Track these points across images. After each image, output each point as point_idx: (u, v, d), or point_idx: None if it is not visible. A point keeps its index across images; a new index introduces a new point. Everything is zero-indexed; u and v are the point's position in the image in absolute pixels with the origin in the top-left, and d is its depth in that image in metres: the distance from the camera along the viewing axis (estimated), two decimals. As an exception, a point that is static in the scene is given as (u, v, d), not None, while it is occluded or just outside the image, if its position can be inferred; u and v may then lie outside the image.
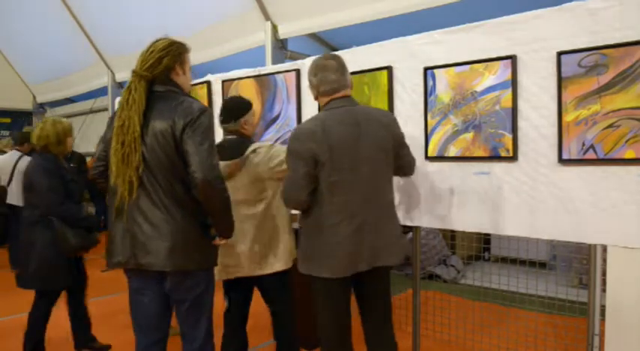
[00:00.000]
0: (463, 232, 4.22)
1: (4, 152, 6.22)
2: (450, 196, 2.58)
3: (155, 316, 2.04)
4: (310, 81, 2.14)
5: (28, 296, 4.70)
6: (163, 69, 1.95)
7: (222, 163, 2.33)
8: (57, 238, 2.83)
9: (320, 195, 2.02)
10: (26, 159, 5.64)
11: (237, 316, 2.72)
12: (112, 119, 2.05)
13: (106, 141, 2.04)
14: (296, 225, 2.46)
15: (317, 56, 2.20)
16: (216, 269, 2.43)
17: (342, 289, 2.11)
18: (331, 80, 2.07)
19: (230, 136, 2.62)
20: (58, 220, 2.84)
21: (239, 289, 2.70)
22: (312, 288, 2.15)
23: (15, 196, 5.54)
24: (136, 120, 1.89)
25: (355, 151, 2.02)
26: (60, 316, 3.75)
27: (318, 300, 2.13)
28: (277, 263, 2.57)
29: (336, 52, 2.40)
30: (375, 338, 2.23)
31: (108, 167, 2.02)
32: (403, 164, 2.24)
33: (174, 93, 2.00)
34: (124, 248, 1.95)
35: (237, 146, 2.56)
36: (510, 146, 2.34)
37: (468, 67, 2.46)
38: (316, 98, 2.17)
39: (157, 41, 1.99)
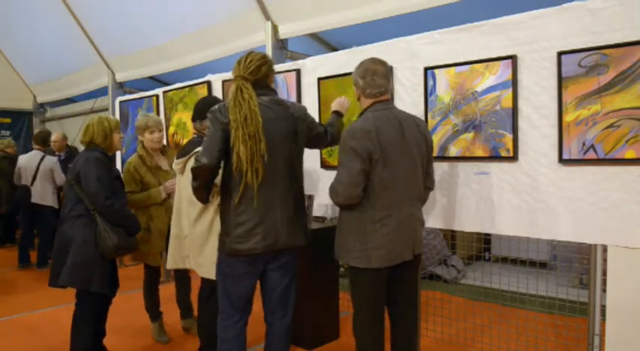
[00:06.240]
0: (463, 232, 4.21)
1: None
2: (450, 196, 2.58)
3: (250, 296, 2.29)
4: (356, 82, 2.26)
5: (28, 296, 4.72)
6: (263, 76, 2.21)
7: (175, 161, 2.69)
8: (98, 235, 2.65)
9: (371, 190, 2.13)
10: (50, 158, 5.75)
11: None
12: (216, 119, 2.15)
13: (215, 140, 2.13)
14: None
15: (366, 59, 2.26)
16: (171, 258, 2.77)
17: (384, 280, 2.22)
18: (378, 85, 2.21)
19: (195, 135, 2.72)
20: (100, 217, 2.66)
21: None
22: (351, 280, 2.26)
23: (38, 195, 5.64)
24: (257, 112, 2.09)
25: (401, 150, 2.17)
26: (62, 317, 3.75)
27: (356, 291, 2.25)
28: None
29: (337, 52, 2.40)
30: (405, 322, 2.34)
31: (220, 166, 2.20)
32: (429, 171, 2.33)
33: (276, 94, 2.28)
34: (264, 234, 2.13)
35: (191, 147, 2.60)
36: (511, 146, 2.34)
37: (468, 67, 2.46)
38: (358, 99, 2.29)
39: (251, 53, 2.24)
